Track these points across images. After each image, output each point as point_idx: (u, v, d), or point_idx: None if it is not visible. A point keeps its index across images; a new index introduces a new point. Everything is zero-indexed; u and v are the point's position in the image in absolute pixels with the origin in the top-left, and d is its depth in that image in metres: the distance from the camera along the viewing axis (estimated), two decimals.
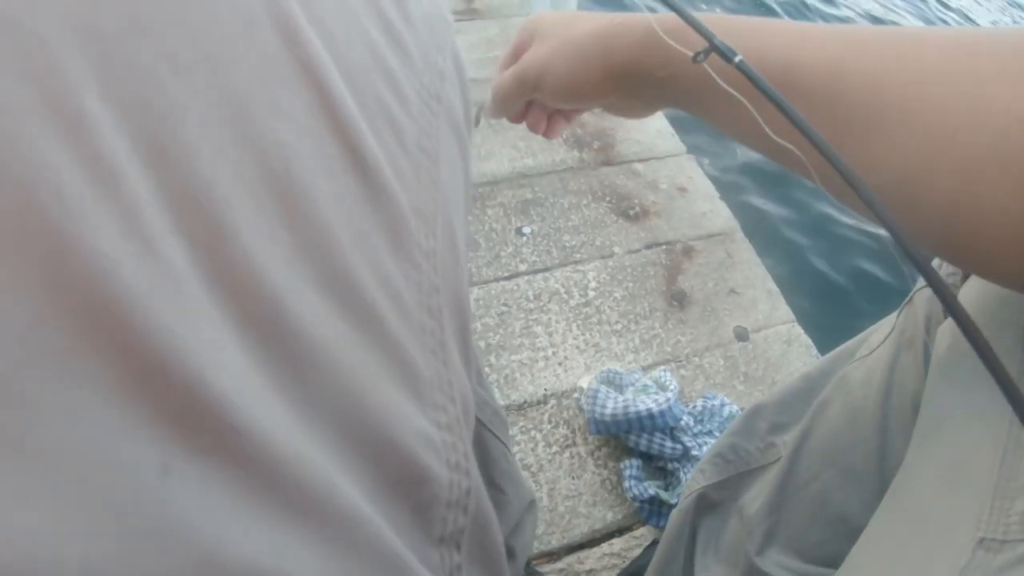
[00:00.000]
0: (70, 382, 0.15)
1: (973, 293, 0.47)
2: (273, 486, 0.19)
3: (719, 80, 0.40)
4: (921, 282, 0.58)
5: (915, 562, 0.42)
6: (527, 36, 0.55)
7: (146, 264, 0.16)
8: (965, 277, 0.50)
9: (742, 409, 1.16)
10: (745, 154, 2.18)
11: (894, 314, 0.63)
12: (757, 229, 1.54)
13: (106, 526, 0.15)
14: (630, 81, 0.48)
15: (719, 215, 1.53)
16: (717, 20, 0.44)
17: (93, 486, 0.15)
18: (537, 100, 0.57)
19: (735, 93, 0.40)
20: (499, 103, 0.58)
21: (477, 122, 0.63)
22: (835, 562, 0.52)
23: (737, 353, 1.28)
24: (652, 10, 0.44)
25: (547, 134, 0.63)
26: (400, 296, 0.24)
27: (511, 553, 0.79)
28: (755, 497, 0.75)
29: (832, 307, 1.74)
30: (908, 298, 0.61)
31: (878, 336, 0.64)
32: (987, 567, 0.35)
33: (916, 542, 0.43)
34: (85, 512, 0.15)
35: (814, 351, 1.30)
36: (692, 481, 0.86)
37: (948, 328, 0.49)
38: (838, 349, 0.72)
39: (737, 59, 0.39)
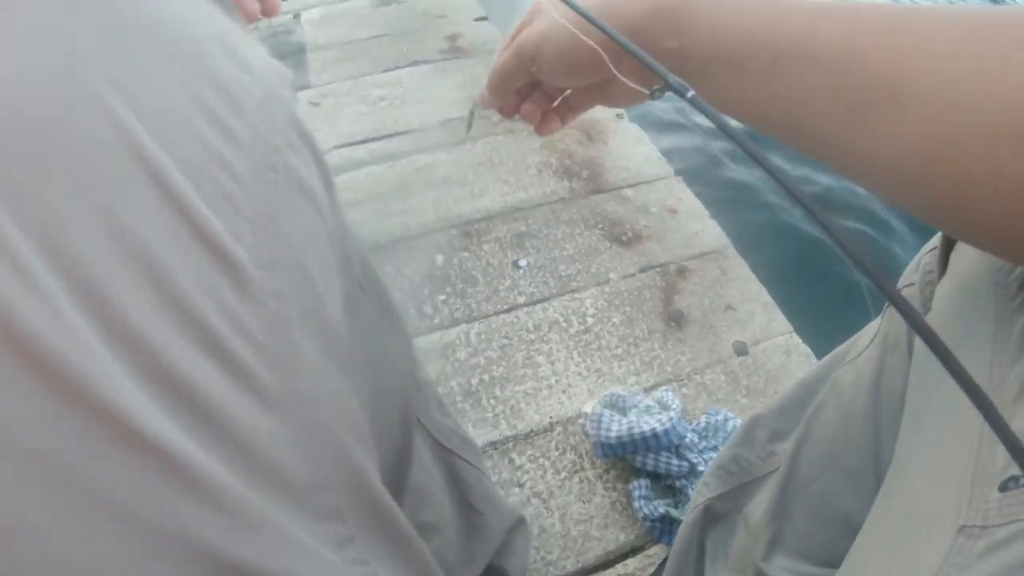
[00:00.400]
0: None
1: (948, 288, 0.49)
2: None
3: (707, 109, 0.42)
4: (903, 281, 0.60)
5: (906, 555, 0.43)
6: (527, 18, 0.54)
7: (60, 328, 0.24)
8: (941, 274, 0.52)
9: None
10: (732, 172, 2.20)
11: (879, 319, 0.64)
12: (749, 244, 1.57)
13: None
14: (625, 59, 0.46)
15: (710, 233, 1.56)
16: None
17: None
18: (534, 80, 0.56)
19: (717, 114, 0.40)
20: (495, 85, 0.56)
21: (470, 126, 0.65)
22: (841, 561, 0.53)
23: (737, 368, 1.30)
24: None
25: (539, 129, 0.61)
26: (248, 328, 0.29)
27: (503, 574, 0.82)
28: (759, 504, 0.76)
29: (828, 315, 1.76)
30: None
31: (865, 339, 0.66)
32: (969, 553, 0.36)
33: (906, 535, 0.44)
34: None
35: (813, 359, 1.32)
36: (697, 495, 0.87)
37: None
38: (831, 354, 0.74)
39: (689, 94, 0.40)
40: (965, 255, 0.48)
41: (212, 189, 0.30)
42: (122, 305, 0.25)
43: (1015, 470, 0.36)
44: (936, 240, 0.56)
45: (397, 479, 0.61)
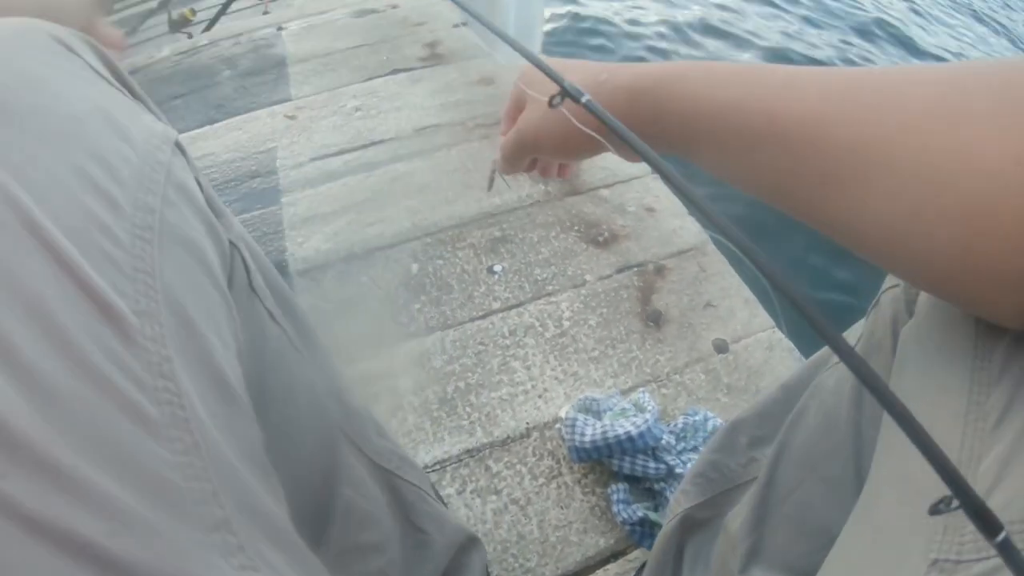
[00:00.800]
0: None
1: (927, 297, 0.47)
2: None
3: (576, 122, 0.42)
4: (888, 283, 0.58)
5: None
6: (521, 93, 0.58)
7: None
8: None
9: (727, 421, 1.16)
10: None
11: (865, 318, 0.62)
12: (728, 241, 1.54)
13: None
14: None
15: (689, 231, 1.54)
16: (705, 67, 0.45)
17: None
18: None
19: (592, 133, 0.45)
20: (507, 164, 0.62)
21: (491, 184, 0.72)
22: None
23: (718, 365, 1.28)
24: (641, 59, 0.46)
25: (560, 175, 0.68)
26: (132, 369, 0.33)
27: None
28: (738, 513, 0.74)
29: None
30: (875, 300, 0.61)
31: (849, 341, 0.63)
32: None
33: (875, 562, 0.42)
34: None
35: (797, 354, 1.30)
36: (675, 503, 0.85)
37: (909, 332, 0.48)
38: (813, 357, 0.72)
39: (584, 99, 0.41)
40: None
41: (96, 252, 0.34)
42: (18, 346, 0.29)
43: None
44: None
45: (322, 500, 0.63)
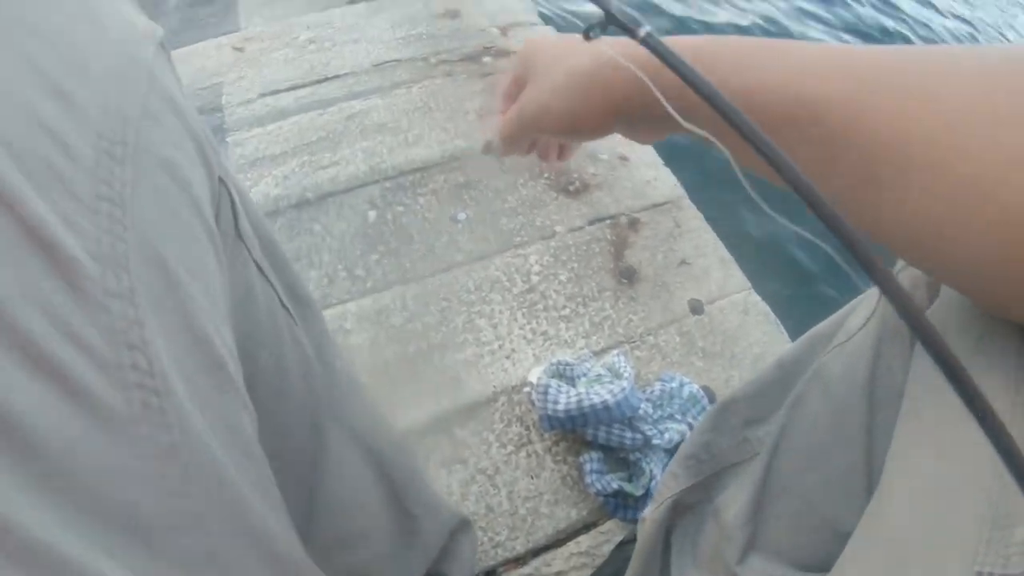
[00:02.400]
0: None
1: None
2: None
3: (621, 59, 0.35)
4: (901, 262, 0.53)
5: None
6: (522, 69, 0.55)
7: None
8: None
9: (702, 387, 1.11)
10: None
11: (873, 293, 0.57)
12: (705, 194, 1.49)
13: None
14: (631, 117, 0.47)
15: (664, 183, 1.47)
16: (735, 41, 0.42)
17: None
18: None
19: (642, 78, 0.38)
20: (506, 144, 0.59)
21: (486, 151, 0.65)
22: (826, 565, 0.48)
23: (693, 327, 1.22)
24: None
25: (560, 158, 0.65)
26: (85, 340, 0.25)
27: None
28: (732, 500, 0.70)
29: (791, 274, 1.71)
30: None
31: (857, 319, 0.58)
32: None
33: (898, 573, 0.39)
34: None
35: (772, 318, 1.26)
36: (664, 487, 0.81)
37: (939, 318, 0.44)
38: (811, 332, 0.66)
39: (644, 30, 0.32)
40: None
41: (43, 172, 0.26)
42: None
43: None
44: None
45: (308, 487, 0.57)
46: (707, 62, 0.41)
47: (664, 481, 0.79)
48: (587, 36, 0.40)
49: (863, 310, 0.57)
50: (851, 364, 0.56)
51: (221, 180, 0.41)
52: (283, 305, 0.52)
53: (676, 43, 0.43)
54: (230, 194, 0.43)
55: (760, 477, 0.64)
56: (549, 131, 0.53)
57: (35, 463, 0.23)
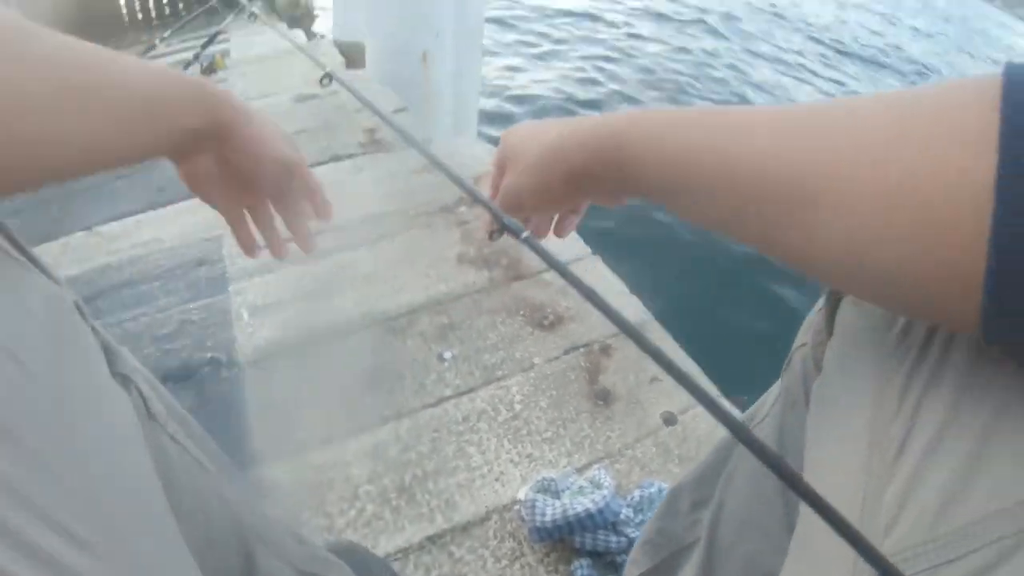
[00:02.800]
0: None
1: (835, 347, 0.49)
2: None
3: None
4: (798, 341, 0.60)
5: None
6: (502, 155, 0.62)
7: None
8: (829, 333, 0.52)
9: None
10: (656, 248, 2.26)
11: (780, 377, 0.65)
12: (672, 314, 1.60)
13: None
14: (590, 184, 0.53)
15: (632, 309, 1.59)
16: (665, 114, 0.46)
17: None
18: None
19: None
20: (511, 214, 0.63)
21: (492, 237, 0.71)
22: None
23: (667, 438, 1.31)
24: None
25: (558, 233, 0.70)
26: None
27: None
28: (686, 574, 0.76)
29: (756, 375, 1.79)
30: (788, 359, 0.63)
31: (770, 400, 0.66)
32: None
33: None
34: None
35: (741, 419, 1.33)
36: (627, 573, 0.86)
37: (817, 387, 0.50)
38: (740, 417, 0.74)
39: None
40: (848, 313, 0.48)
41: None
42: None
43: None
44: (824, 300, 0.56)
45: None
46: (638, 132, 0.46)
47: (627, 568, 0.86)
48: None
49: (774, 391, 0.66)
50: (765, 437, 0.64)
51: (127, 379, 0.51)
52: (197, 461, 0.60)
53: (611, 119, 0.49)
54: (138, 388, 0.53)
55: (706, 547, 0.71)
56: (530, 205, 0.59)
57: None
